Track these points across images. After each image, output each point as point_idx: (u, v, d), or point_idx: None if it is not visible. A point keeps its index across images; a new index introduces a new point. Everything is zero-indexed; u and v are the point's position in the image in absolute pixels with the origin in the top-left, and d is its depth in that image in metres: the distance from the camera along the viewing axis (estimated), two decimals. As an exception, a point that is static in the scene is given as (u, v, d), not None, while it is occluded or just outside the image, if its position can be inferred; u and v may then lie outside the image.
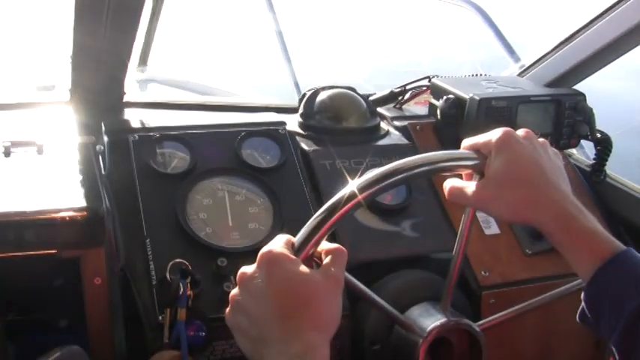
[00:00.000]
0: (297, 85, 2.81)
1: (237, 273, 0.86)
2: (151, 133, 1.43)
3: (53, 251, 1.18)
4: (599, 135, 1.63)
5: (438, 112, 1.59)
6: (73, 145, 1.41)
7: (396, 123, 1.67)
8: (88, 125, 1.50)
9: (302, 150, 1.51)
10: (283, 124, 1.54)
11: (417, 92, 1.79)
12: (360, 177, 0.91)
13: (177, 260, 1.21)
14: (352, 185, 0.89)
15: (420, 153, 1.02)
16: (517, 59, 2.14)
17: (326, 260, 0.87)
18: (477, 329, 1.16)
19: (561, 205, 0.91)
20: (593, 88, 1.70)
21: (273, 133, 1.50)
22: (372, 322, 1.27)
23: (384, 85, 1.87)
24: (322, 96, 1.64)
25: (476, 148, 0.97)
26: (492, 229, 1.48)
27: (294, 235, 0.89)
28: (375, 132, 1.62)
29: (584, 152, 1.84)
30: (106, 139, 1.42)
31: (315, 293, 0.82)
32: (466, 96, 1.54)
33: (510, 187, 0.92)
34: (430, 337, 1.16)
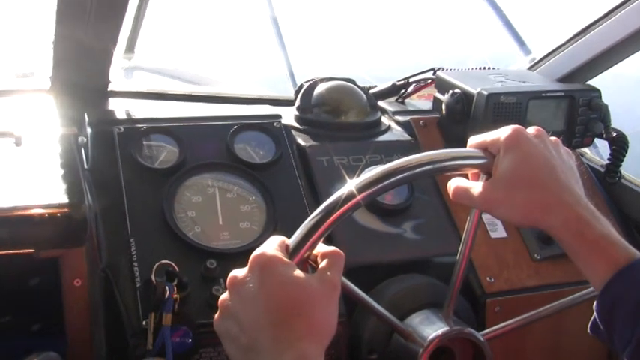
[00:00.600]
0: (292, 75, 2.81)
1: (227, 276, 0.86)
2: (138, 125, 1.43)
3: (30, 250, 1.17)
4: (614, 133, 1.63)
5: (443, 107, 1.59)
6: (53, 136, 1.41)
7: (398, 118, 1.67)
8: (70, 116, 1.50)
9: (298, 145, 1.51)
10: (278, 117, 1.53)
11: (421, 85, 1.79)
12: (359, 175, 0.91)
13: (164, 261, 1.21)
14: (351, 184, 0.89)
15: (424, 150, 1.02)
16: (527, 52, 2.13)
17: (322, 264, 0.86)
18: (481, 339, 1.16)
19: (573, 208, 0.91)
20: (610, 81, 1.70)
21: (268, 126, 1.50)
22: (370, 330, 1.26)
23: (386, 78, 1.87)
24: (320, 88, 1.64)
25: (483, 147, 0.96)
26: (499, 232, 1.49)
27: (289, 237, 0.89)
28: (376, 127, 1.62)
29: (598, 152, 1.84)
30: (89, 130, 1.41)
31: (310, 299, 0.82)
32: (473, 90, 1.54)
33: (519, 188, 0.92)
34: (431, 347, 1.15)
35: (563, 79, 1.70)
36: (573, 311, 1.17)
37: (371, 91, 1.79)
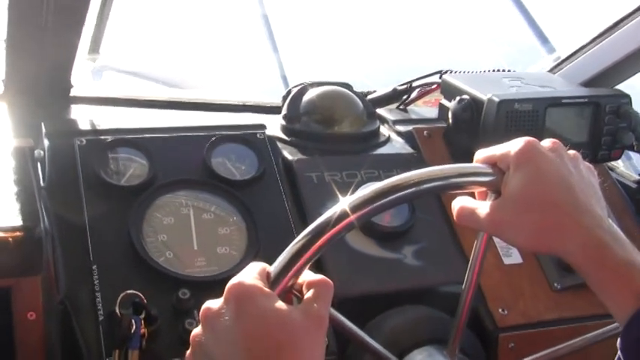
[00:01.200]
0: (285, 79, 2.82)
1: (201, 308, 0.86)
2: (103, 137, 1.44)
3: (-23, 279, 1.18)
4: (647, 145, 1.63)
5: (450, 115, 1.60)
6: (5, 149, 1.41)
7: (399, 128, 1.69)
8: (25, 125, 1.51)
9: (284, 159, 1.52)
10: (262, 127, 1.54)
11: (426, 90, 1.80)
12: (353, 193, 0.91)
13: (130, 291, 1.21)
14: (343, 203, 0.89)
15: (428, 165, 1.03)
16: (551, 49, 2.13)
17: (307, 294, 0.86)
18: (492, 380, 1.17)
19: (593, 231, 0.91)
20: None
21: (250, 138, 1.51)
22: (365, 370, 1.27)
23: (388, 82, 1.88)
24: (310, 94, 1.66)
25: (492, 162, 0.97)
26: (513, 257, 1.49)
27: (271, 264, 0.89)
28: (374, 138, 1.64)
29: (633, 164, 1.84)
30: (46, 142, 1.42)
31: (293, 335, 0.82)
32: (483, 96, 1.55)
33: (531, 209, 0.92)
34: (434, 390, 1.16)
35: (587, 84, 1.71)
36: (599, 348, 1.17)
37: (369, 97, 1.80)
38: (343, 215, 0.89)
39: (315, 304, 0.85)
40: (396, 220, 1.45)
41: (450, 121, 1.60)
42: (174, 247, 1.32)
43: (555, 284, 1.47)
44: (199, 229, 1.35)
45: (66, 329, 1.22)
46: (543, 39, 2.24)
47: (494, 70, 1.79)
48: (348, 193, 0.92)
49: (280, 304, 0.83)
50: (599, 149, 1.62)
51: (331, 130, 1.62)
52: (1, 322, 1.20)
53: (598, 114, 1.60)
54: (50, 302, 1.22)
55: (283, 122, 1.64)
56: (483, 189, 0.98)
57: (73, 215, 1.32)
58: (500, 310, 1.41)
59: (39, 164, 1.40)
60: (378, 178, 1.49)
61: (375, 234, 1.43)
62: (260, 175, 1.46)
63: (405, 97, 1.81)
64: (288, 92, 1.70)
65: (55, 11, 1.36)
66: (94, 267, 1.26)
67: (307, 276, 0.89)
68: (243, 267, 0.88)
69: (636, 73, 1.69)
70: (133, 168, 1.41)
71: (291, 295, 0.89)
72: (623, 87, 1.69)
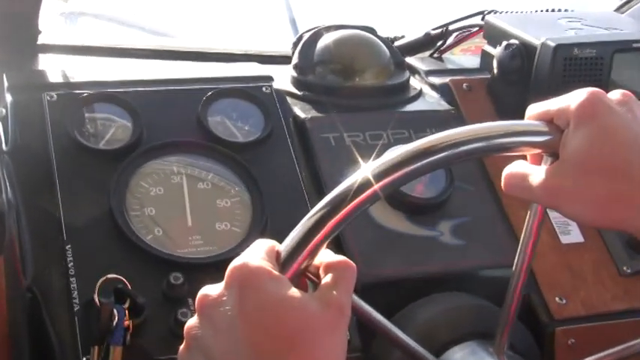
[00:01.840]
0: (293, 22, 2.81)
1: (196, 295, 0.86)
2: (77, 91, 1.44)
3: None
4: None
5: (495, 64, 1.60)
6: (-41, 106, 1.41)
7: (433, 79, 1.68)
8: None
9: (295, 118, 1.52)
10: (269, 79, 1.54)
11: (466, 35, 1.79)
12: (377, 157, 0.90)
13: (111, 276, 1.21)
14: (366, 169, 0.89)
15: (467, 123, 1.02)
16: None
17: (325, 279, 0.86)
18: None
19: (672, 202, 0.91)
20: None
21: (254, 92, 1.51)
22: (395, 370, 1.27)
23: (419, 26, 1.87)
24: (326, 40, 1.65)
25: (548, 118, 0.96)
26: (573, 235, 1.49)
27: (282, 241, 0.89)
28: (402, 92, 1.63)
29: None
30: (9, 97, 1.42)
31: (308, 327, 0.82)
32: (536, 41, 1.54)
33: (595, 174, 0.91)
34: (478, 394, 1.16)
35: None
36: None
37: (396, 43, 1.79)
38: (366, 184, 0.88)
39: (334, 291, 0.85)
40: (430, 190, 1.44)
41: (495, 71, 1.60)
42: (163, 223, 1.32)
43: (624, 268, 1.46)
44: (194, 202, 1.35)
45: (34, 321, 1.22)
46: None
47: (548, 10, 1.78)
48: (372, 158, 0.92)
49: (293, 291, 0.83)
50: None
51: (351, 82, 1.61)
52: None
53: (678, 61, 1.59)
54: (15, 289, 1.21)
55: (294, 73, 1.63)
56: (537, 151, 0.97)
57: (42, 185, 1.32)
58: (557, 299, 1.40)
59: (0, 124, 1.40)
60: (408, 140, 1.48)
61: (404, 207, 1.42)
62: (266, 137, 1.46)
63: (439, 43, 1.80)
64: (299, 38, 1.69)
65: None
66: (68, 247, 1.26)
67: (325, 257, 0.89)
68: (248, 246, 0.88)
69: None
70: (114, 128, 1.41)
71: (306, 279, 0.89)
72: None
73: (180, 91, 1.49)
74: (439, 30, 1.80)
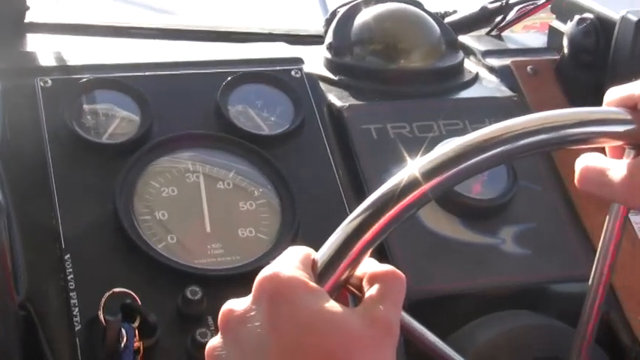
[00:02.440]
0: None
1: (217, 312, 0.86)
2: (75, 75, 1.45)
3: None
4: None
5: (565, 42, 1.60)
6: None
7: (492, 61, 1.69)
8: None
9: (330, 106, 1.53)
10: (299, 62, 1.55)
11: (529, 8, 1.79)
12: (427, 152, 0.90)
13: (118, 290, 1.22)
14: (414, 166, 0.88)
15: (532, 111, 1.02)
16: None
17: (370, 292, 0.86)
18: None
19: None
20: None
21: (282, 77, 1.51)
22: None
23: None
24: (365, 15, 1.65)
25: (631, 104, 0.95)
26: (661, 241, 1.48)
27: (316, 249, 0.89)
28: (456, 76, 1.64)
29: None
30: (-4, 84, 1.43)
31: (351, 347, 0.81)
32: (615, 15, 1.54)
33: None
34: None
35: None
36: None
37: (448, 19, 1.80)
38: (414, 183, 0.88)
39: (380, 306, 0.85)
40: (489, 190, 1.44)
41: (566, 50, 1.60)
42: (178, 229, 1.33)
43: None
44: (213, 204, 1.36)
45: (29, 344, 1.22)
46: None
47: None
48: (420, 153, 0.92)
49: (332, 305, 0.83)
50: None
51: (395, 64, 1.61)
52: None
53: None
54: (6, 306, 1.22)
55: (327, 55, 1.64)
56: (618, 143, 0.97)
57: (36, 186, 1.33)
58: (642, 318, 1.41)
59: (-13, 114, 1.41)
60: (463, 131, 1.47)
61: (460, 210, 1.42)
62: (297, 129, 1.46)
63: (498, 18, 1.80)
64: (334, 13, 1.70)
65: None
66: (67, 257, 1.27)
67: (369, 266, 0.89)
68: (277, 255, 0.88)
69: None
70: (119, 119, 1.42)
71: (347, 292, 0.89)
72: None
73: (195, 76, 1.49)
74: (498, 3, 1.80)
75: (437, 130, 1.50)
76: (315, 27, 1.84)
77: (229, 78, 1.48)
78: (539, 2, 1.77)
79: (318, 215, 1.37)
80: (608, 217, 1.05)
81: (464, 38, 1.77)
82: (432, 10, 1.72)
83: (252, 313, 0.83)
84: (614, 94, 0.97)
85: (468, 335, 1.32)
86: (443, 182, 0.88)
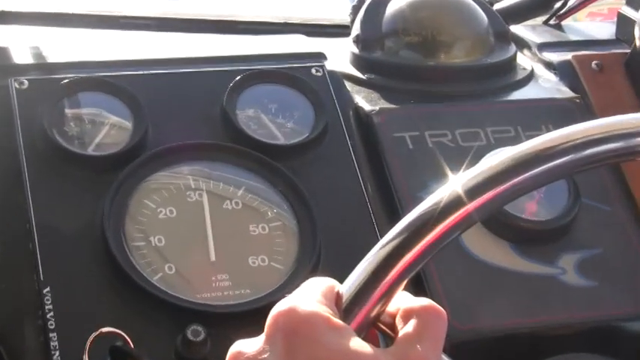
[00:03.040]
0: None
1: (224, 356, 0.86)
2: (56, 75, 1.45)
3: None
4: None
5: (637, 33, 1.59)
6: None
7: (550, 55, 1.69)
8: None
9: (358, 110, 1.53)
10: (320, 57, 1.56)
11: (593, -6, 1.79)
12: (472, 165, 0.91)
13: (106, 330, 1.22)
14: (456, 182, 0.89)
15: (598, 115, 1.02)
16: None
17: (405, 329, 0.86)
18: None
19: None
20: None
21: (300, 75, 1.52)
22: None
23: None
24: (398, 2, 1.65)
25: None
26: None
27: (341, 280, 0.89)
28: (506, 74, 1.64)
29: None
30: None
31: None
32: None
33: None
34: None
35: None
36: None
37: (497, 5, 1.80)
38: (456, 202, 0.87)
39: (417, 345, 0.84)
40: (546, 209, 1.44)
41: (638, 42, 1.59)
42: (177, 258, 1.33)
43: None
44: (219, 228, 1.36)
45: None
46: None
47: None
48: (464, 166, 0.92)
49: (360, 344, 0.83)
50: None
51: (435, 60, 1.62)
52: None
53: None
54: (-25, 348, 1.23)
55: (354, 49, 1.64)
56: None
57: (9, 206, 1.34)
58: None
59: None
60: (515, 140, 1.48)
61: (511, 234, 1.42)
62: (318, 138, 1.46)
63: (558, 4, 1.80)
64: (361, 0, 1.70)
65: None
66: (46, 290, 1.27)
67: (403, 301, 0.89)
68: (295, 288, 0.88)
69: None
70: (108, 126, 1.42)
71: (377, 330, 0.89)
72: None
73: (197, 75, 1.50)
74: (556, -14, 1.81)
75: (484, 139, 1.50)
76: (340, 16, 1.84)
77: (238, 77, 1.48)
78: (606, -13, 1.77)
79: (344, 240, 1.37)
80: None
81: (516, 28, 1.77)
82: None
83: (266, 355, 0.83)
84: None
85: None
86: (491, 201, 0.88)
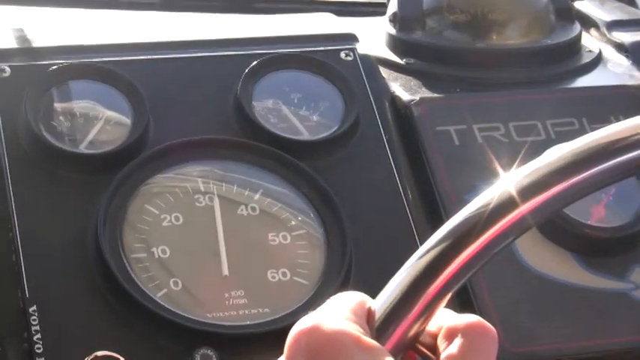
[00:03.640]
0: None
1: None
2: (43, 62, 1.46)
3: None
4: None
5: None
6: None
7: (621, 35, 1.70)
8: None
9: (395, 100, 1.54)
10: (351, 39, 1.57)
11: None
12: (527, 162, 0.90)
13: (102, 354, 1.23)
14: (509, 181, 0.88)
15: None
16: None
17: (449, 350, 0.86)
18: None
19: None
20: None
21: (328, 60, 1.53)
22: None
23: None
24: (442, -24, 1.66)
25: None
26: None
27: (373, 294, 0.90)
28: (570, 58, 1.65)
29: None
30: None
31: None
32: None
33: None
34: None
35: None
36: None
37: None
38: (508, 205, 0.87)
39: (464, 369, 0.87)
40: (615, 214, 1.44)
41: None
42: (184, 272, 1.33)
43: None
44: (232, 237, 1.37)
45: None
46: None
47: None
48: (518, 163, 0.92)
49: (397, 370, 0.85)
50: None
51: (485, 41, 1.63)
52: None
53: None
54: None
55: (391, 30, 1.65)
56: None
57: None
58: None
59: None
60: (579, 134, 1.43)
61: (574, 243, 1.43)
62: (348, 132, 1.47)
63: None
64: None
65: None
66: (32, 309, 1.28)
67: (446, 319, 0.89)
68: (319, 304, 0.88)
69: None
70: (103, 121, 1.43)
71: (415, 352, 0.90)
72: None
73: (207, 60, 1.51)
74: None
75: (542, 133, 1.51)
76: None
77: (254, 62, 1.49)
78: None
79: (378, 251, 1.38)
80: None
81: (582, 4, 1.78)
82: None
83: (288, 384, 0.84)
84: None
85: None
86: (548, 203, 0.88)
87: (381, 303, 0.88)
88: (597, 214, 1.43)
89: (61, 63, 1.46)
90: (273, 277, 1.35)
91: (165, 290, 1.32)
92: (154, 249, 1.34)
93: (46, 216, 1.35)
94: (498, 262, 0.94)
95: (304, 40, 1.56)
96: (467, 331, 0.87)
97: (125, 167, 1.38)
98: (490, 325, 0.87)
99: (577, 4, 1.74)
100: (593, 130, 0.92)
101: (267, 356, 0.89)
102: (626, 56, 1.67)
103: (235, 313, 1.32)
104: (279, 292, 1.35)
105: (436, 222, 1.38)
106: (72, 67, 1.46)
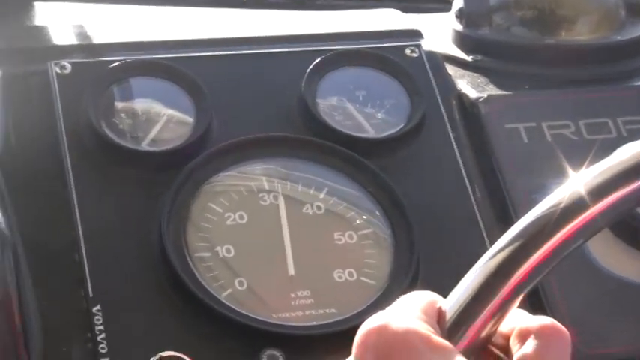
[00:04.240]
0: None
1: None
2: (103, 58, 1.47)
3: None
4: None
5: None
6: None
7: None
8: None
9: (462, 98, 1.54)
10: (416, 35, 1.57)
11: None
12: (599, 161, 0.89)
13: (167, 354, 1.21)
14: (579, 181, 0.88)
15: None
16: None
17: (522, 350, 0.87)
18: None
19: None
20: None
21: (393, 57, 1.52)
22: None
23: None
24: (509, -31, 1.66)
25: None
26: None
27: (444, 293, 0.90)
28: (641, 55, 1.64)
29: None
30: (-1, 71, 1.45)
31: None
32: None
33: None
34: None
35: None
36: None
37: (629, -29, 1.79)
38: (578, 205, 0.87)
39: (539, 372, 0.87)
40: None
41: None
42: (249, 271, 1.34)
43: None
44: (297, 237, 1.37)
45: None
46: None
47: None
48: (589, 162, 0.92)
49: (470, 371, 0.85)
50: None
51: (554, 38, 1.62)
52: None
53: None
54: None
55: (457, 26, 1.65)
56: None
57: (51, 210, 1.35)
58: None
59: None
60: None
61: (649, 242, 1.43)
62: (414, 130, 1.47)
63: None
64: (464, -32, 1.70)
65: None
66: (96, 308, 1.28)
67: (519, 320, 0.90)
68: (388, 303, 0.89)
69: None
70: (165, 118, 1.44)
71: (489, 352, 0.90)
72: None
73: (270, 57, 1.51)
74: None
75: (614, 131, 1.50)
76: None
77: (318, 59, 1.49)
78: None
79: (446, 251, 1.38)
80: None
81: (654, 0, 1.77)
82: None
83: (356, 385, 0.84)
84: None
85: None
86: (619, 203, 0.87)
87: (452, 303, 0.88)
88: (674, 213, 1.43)
89: (122, 60, 1.46)
90: (340, 277, 1.35)
91: (230, 290, 1.32)
92: (218, 248, 1.35)
93: (109, 214, 1.36)
94: (569, 263, 0.93)
95: (369, 37, 1.56)
96: (540, 333, 0.88)
97: (188, 165, 1.38)
98: (563, 327, 0.88)
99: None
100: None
101: (334, 357, 0.88)
102: None
103: (301, 313, 1.32)
104: (346, 293, 1.35)
105: (505, 222, 1.38)
106: (133, 64, 1.46)
